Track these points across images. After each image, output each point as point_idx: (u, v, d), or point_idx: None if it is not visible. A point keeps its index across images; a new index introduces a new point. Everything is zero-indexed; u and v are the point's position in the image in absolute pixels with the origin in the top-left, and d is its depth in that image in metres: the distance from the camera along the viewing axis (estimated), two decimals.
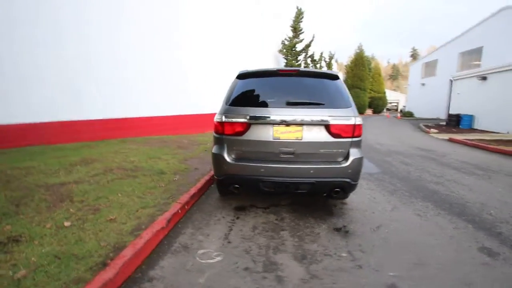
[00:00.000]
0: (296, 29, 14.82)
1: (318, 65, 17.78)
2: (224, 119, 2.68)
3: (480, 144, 8.70)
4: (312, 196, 3.53)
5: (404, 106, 29.68)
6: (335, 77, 2.84)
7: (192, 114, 10.21)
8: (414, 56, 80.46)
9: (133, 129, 8.15)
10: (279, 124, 2.57)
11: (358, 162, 2.60)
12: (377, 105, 37.06)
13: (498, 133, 11.92)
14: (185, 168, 4.80)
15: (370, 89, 35.96)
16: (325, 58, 17.32)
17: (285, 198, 3.55)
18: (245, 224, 2.79)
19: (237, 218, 2.95)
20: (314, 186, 2.55)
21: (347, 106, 2.64)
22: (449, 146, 9.10)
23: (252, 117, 2.59)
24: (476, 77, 13.74)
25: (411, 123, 18.85)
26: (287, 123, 2.55)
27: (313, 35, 15.68)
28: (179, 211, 2.89)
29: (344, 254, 2.23)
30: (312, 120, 2.55)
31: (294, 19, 14.97)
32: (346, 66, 26.13)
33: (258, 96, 2.74)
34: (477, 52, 17.78)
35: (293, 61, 15.29)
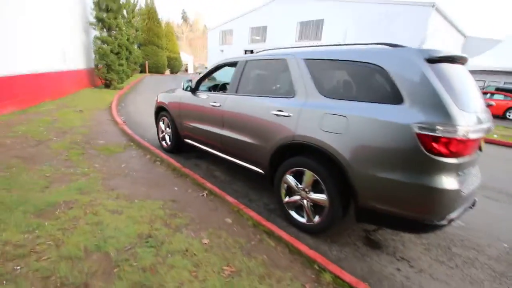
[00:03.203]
0: None
1: (131, 16, 14.15)
2: (471, 134, 1.67)
3: None
4: None
5: (205, 68, 31.86)
6: None
7: None
8: (185, 18, 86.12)
9: None
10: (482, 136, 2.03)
11: None
12: (173, 65, 36.79)
13: None
14: (158, 208, 2.50)
15: (166, 48, 34.63)
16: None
17: None
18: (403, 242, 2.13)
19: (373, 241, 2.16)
20: None
21: None
22: None
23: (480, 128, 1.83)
24: None
25: None
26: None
27: None
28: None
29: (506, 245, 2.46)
30: None
31: None
32: (140, 18, 22.94)
33: (464, 94, 1.91)
34: (263, 30, 22.38)
35: (111, 2, 10.80)
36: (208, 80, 3.98)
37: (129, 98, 10.30)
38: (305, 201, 2.36)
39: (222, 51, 26.70)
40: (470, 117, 1.78)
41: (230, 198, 2.70)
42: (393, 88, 1.88)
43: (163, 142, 4.46)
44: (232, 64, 3.29)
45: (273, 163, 2.61)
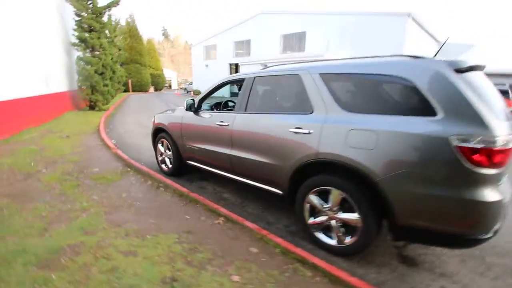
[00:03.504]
0: None
1: (113, 35, 13.91)
2: (510, 143, 1.63)
3: None
4: None
5: (190, 84, 31.66)
6: None
7: None
8: (166, 35, 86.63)
9: None
10: None
11: None
12: (157, 82, 36.50)
13: None
14: None
15: (149, 66, 34.39)
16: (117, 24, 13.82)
17: None
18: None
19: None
20: None
21: None
22: None
23: None
24: (260, 64, 17.76)
25: None
26: None
27: None
28: None
29: None
30: None
31: None
32: (122, 37, 22.81)
33: (493, 102, 1.86)
34: (247, 43, 22.65)
35: (93, 21, 10.53)
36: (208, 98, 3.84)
37: (116, 119, 9.95)
38: (333, 222, 2.22)
39: (207, 65, 26.71)
40: (504, 125, 1.73)
41: (250, 224, 2.52)
42: (423, 100, 1.81)
43: (163, 165, 4.22)
44: (238, 81, 3.18)
45: (293, 183, 2.47)
